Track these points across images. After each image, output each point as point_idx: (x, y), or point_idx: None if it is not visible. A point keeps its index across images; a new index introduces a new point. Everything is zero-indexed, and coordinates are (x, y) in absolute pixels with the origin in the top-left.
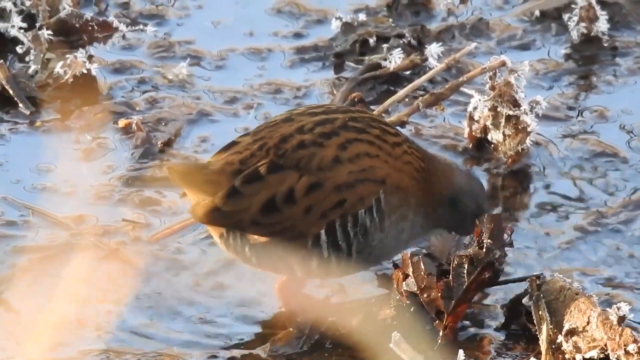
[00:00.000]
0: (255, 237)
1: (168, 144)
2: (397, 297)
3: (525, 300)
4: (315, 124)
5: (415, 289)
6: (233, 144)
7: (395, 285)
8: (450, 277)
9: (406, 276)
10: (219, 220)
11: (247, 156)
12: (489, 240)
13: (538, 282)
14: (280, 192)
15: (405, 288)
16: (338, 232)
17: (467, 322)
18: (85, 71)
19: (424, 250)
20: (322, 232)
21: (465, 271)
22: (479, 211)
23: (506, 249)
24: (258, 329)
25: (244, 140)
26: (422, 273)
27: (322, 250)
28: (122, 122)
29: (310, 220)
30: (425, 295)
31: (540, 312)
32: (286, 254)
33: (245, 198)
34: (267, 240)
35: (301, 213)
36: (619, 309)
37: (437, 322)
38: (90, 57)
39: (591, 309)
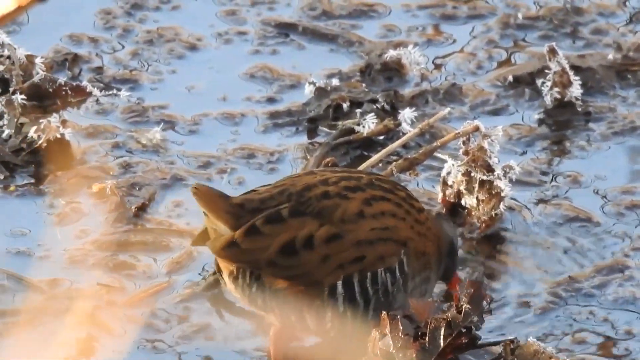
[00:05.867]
0: (269, 279)
1: (142, 208)
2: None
3: None
4: (339, 178)
5: (392, 348)
6: (252, 191)
7: (370, 346)
8: (427, 339)
9: (383, 336)
10: (236, 257)
11: (266, 197)
12: (467, 306)
13: (512, 346)
14: (300, 235)
15: (381, 346)
16: (356, 287)
17: None
18: (59, 136)
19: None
20: (339, 284)
21: (441, 334)
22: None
23: (484, 316)
24: None
25: (263, 188)
26: (399, 333)
27: (338, 303)
28: (96, 187)
29: (327, 270)
30: (400, 355)
31: None
32: (300, 303)
33: (265, 237)
34: (281, 285)
35: (318, 261)
36: None
37: None
38: (64, 122)
39: None
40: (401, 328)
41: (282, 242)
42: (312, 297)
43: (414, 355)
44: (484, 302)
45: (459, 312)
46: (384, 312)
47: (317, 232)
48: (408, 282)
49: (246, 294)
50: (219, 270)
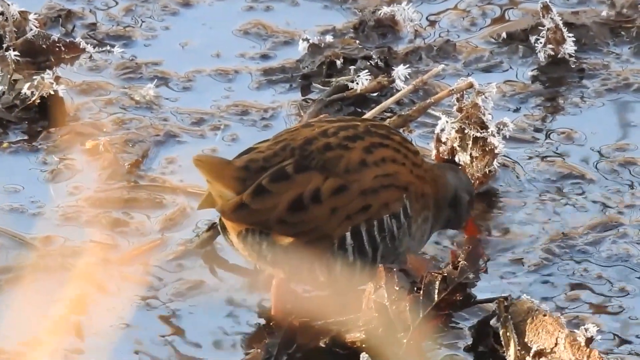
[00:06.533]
0: (279, 237)
1: (135, 165)
2: (367, 317)
3: (493, 322)
4: (338, 128)
5: (385, 300)
6: (251, 149)
7: (365, 299)
8: (421, 292)
9: (378, 288)
10: (246, 219)
11: (270, 155)
12: (464, 262)
13: (506, 304)
14: (307, 190)
15: (375, 299)
16: (364, 236)
17: (435, 343)
18: (52, 92)
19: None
20: (348, 235)
21: (436, 288)
22: (471, 198)
23: (479, 273)
24: (227, 351)
25: (263, 145)
26: (394, 286)
27: (348, 254)
28: (89, 144)
29: (336, 222)
30: (394, 307)
31: (508, 334)
32: (310, 257)
33: (272, 196)
34: (291, 241)
35: (327, 214)
36: (586, 330)
37: (402, 335)
38: (57, 78)
39: (559, 330)
40: (396, 281)
41: (290, 198)
42: (322, 250)
43: (407, 307)
44: (481, 260)
45: (455, 267)
46: (380, 265)
47: (323, 186)
48: (412, 225)
49: (255, 250)
50: (224, 231)
